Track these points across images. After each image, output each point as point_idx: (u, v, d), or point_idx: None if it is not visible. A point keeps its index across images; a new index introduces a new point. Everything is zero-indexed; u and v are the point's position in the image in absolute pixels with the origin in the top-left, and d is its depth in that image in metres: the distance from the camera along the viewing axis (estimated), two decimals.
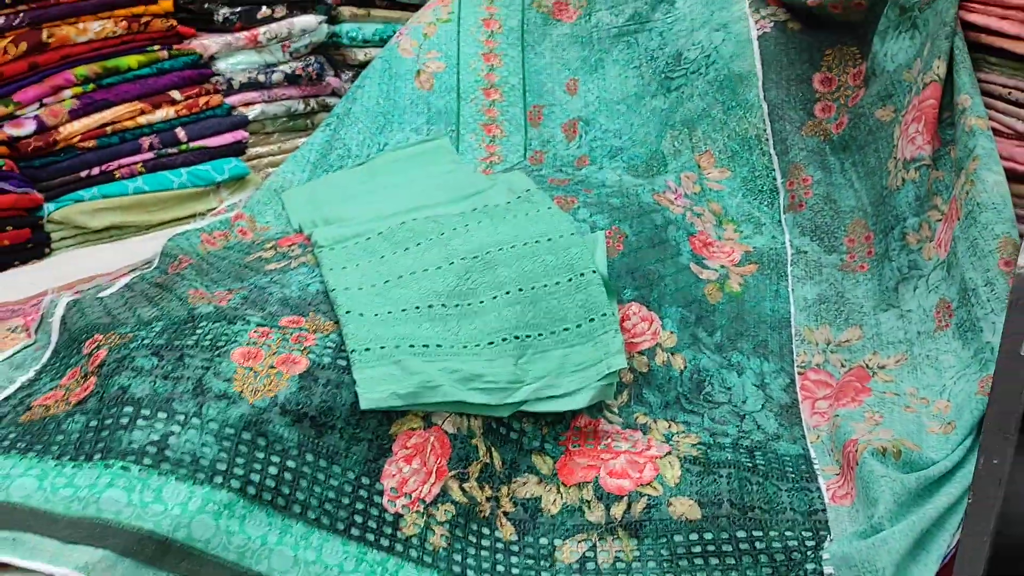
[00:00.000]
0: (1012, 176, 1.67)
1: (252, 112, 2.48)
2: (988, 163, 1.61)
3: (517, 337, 1.54)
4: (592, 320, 1.57)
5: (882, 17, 1.95)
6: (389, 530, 1.34)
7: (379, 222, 1.85)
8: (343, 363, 1.43)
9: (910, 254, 1.77)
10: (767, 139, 2.08)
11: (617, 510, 1.44)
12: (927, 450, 1.39)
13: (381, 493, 1.37)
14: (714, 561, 1.36)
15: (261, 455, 1.30)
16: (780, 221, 2.00)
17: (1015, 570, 1.24)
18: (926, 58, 1.79)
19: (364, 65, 2.63)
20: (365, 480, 1.37)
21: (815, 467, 1.51)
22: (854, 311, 1.82)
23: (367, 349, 1.44)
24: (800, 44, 2.16)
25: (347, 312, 1.52)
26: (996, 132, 1.72)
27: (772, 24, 2.20)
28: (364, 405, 1.37)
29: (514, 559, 1.39)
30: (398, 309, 1.55)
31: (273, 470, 1.29)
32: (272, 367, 1.39)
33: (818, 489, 1.46)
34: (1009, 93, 1.71)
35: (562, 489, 1.49)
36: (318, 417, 1.36)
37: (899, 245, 1.80)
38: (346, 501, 1.34)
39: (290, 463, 1.31)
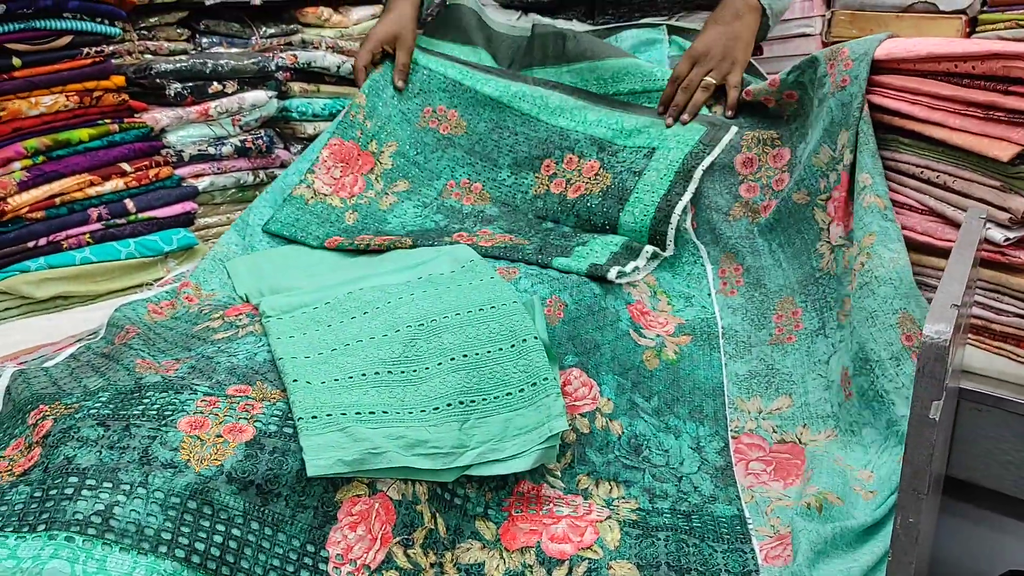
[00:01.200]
0: (926, 249, 1.78)
1: (202, 183, 2.50)
2: (884, 240, 1.69)
3: (461, 403, 1.57)
4: (534, 384, 1.61)
5: (799, 105, 2.05)
6: None
7: (326, 292, 1.88)
8: (289, 431, 1.45)
9: (841, 330, 1.84)
10: (694, 226, 2.13)
11: (559, 574, 1.46)
12: (849, 506, 1.45)
13: (326, 560, 1.38)
14: None
15: (206, 524, 1.31)
16: (711, 296, 2.06)
17: None
18: (837, 145, 1.90)
19: (313, 138, 2.69)
20: (310, 547, 1.38)
21: (749, 527, 1.56)
22: (784, 381, 1.88)
23: (314, 417, 1.46)
24: None
25: (294, 381, 1.54)
26: (910, 208, 1.82)
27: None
28: (311, 472, 1.38)
29: None
30: (344, 377, 1.57)
31: (218, 539, 1.30)
32: (219, 436, 1.40)
33: (752, 550, 1.50)
34: (921, 172, 1.82)
35: (505, 554, 1.51)
36: (264, 485, 1.37)
37: (836, 324, 1.87)
38: (291, 569, 1.35)
39: (235, 531, 1.32)
